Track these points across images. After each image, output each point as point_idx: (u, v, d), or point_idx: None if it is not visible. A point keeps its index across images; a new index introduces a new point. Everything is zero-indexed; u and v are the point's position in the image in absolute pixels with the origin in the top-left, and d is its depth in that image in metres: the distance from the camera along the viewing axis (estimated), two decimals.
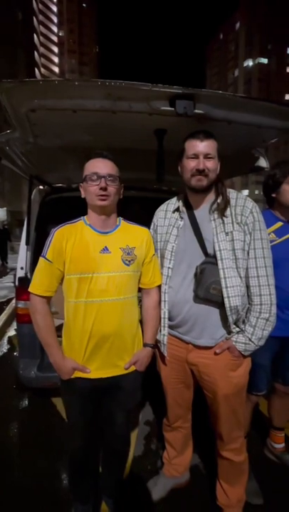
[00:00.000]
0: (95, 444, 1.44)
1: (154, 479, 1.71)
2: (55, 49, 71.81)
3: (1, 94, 1.13)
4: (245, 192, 60.29)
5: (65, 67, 73.32)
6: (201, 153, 1.25)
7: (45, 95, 1.20)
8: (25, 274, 2.24)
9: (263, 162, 2.01)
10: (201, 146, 1.25)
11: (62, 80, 1.12)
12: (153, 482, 1.70)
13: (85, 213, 1.33)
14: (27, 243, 2.27)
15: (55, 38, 71.47)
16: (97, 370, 1.28)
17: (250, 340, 1.27)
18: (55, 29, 71.45)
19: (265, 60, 66.20)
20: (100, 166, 1.22)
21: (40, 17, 64.17)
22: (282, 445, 1.89)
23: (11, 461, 1.91)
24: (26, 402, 2.53)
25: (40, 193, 2.63)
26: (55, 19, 71.12)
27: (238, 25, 69.14)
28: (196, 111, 1.28)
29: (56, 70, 72.19)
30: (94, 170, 1.22)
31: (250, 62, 67.22)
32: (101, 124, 1.47)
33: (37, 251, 2.27)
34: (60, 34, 72.43)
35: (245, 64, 67.94)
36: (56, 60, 72.34)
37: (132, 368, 1.34)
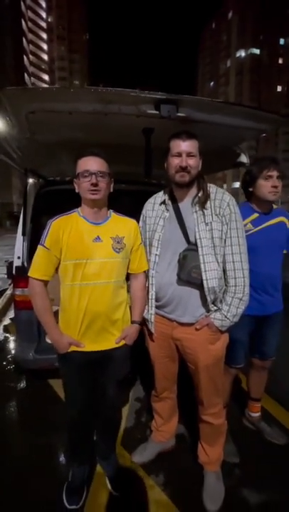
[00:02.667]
0: (89, 412, 1.61)
1: (144, 445, 1.91)
2: (44, 35, 69.81)
3: (4, 99, 1.26)
4: (237, 184, 60.64)
5: (55, 54, 71.48)
6: (183, 151, 1.40)
7: (44, 100, 1.33)
8: (22, 263, 2.37)
9: (243, 158, 2.18)
10: (184, 145, 1.40)
11: (60, 87, 1.26)
12: (142, 447, 1.90)
13: (77, 205, 1.47)
14: (23, 234, 2.39)
15: (43, 24, 69.42)
16: (91, 344, 1.44)
17: (225, 317, 1.45)
18: (43, 14, 69.35)
19: (257, 51, 65.72)
20: (91, 164, 1.35)
21: (28, 1, 62.13)
22: (258, 414, 2.11)
23: (10, 433, 2.09)
24: (24, 384, 2.69)
25: (35, 186, 2.74)
26: (43, 4, 68.96)
27: (230, 14, 68.25)
28: (179, 114, 1.42)
29: (45, 57, 70.36)
30: (86, 167, 1.35)
31: (242, 53, 66.65)
32: (94, 124, 1.61)
33: (33, 241, 2.40)
34: (49, 20, 70.33)
35: (237, 54, 67.31)
36: (45, 46, 70.40)
37: (122, 342, 1.51)
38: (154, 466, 1.81)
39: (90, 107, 1.40)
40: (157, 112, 1.40)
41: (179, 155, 1.41)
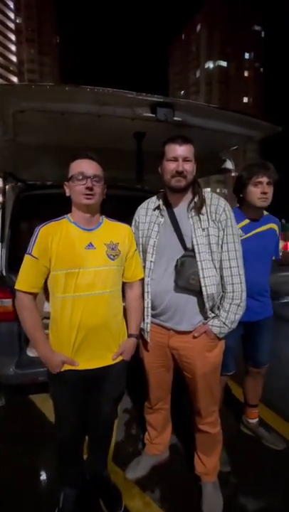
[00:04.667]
0: (81, 430, 1.51)
1: (137, 459, 1.83)
2: (12, 37, 68.03)
3: None
4: (207, 190, 62.49)
5: (24, 56, 69.79)
6: (180, 156, 1.38)
7: (35, 98, 1.25)
8: (1, 272, 2.22)
9: (229, 164, 2.21)
10: (180, 150, 1.38)
11: (54, 85, 1.18)
12: (136, 462, 1.82)
13: (58, 211, 1.39)
14: (1, 240, 2.25)
15: (12, 25, 67.68)
16: (86, 362, 1.34)
17: (224, 323, 1.43)
18: (11, 15, 67.65)
19: (224, 63, 68.65)
20: (86, 167, 1.28)
21: None
22: (256, 420, 2.09)
23: None
24: (3, 401, 2.51)
25: (14, 190, 2.60)
26: (11, 4, 67.32)
27: (199, 26, 70.75)
28: (175, 118, 1.40)
29: (14, 58, 68.50)
30: (80, 170, 1.27)
31: (210, 64, 69.24)
32: (85, 126, 1.54)
33: (12, 248, 2.26)
34: (18, 21, 68.70)
35: (206, 65, 69.79)
36: (13, 48, 68.60)
37: (119, 358, 1.43)
38: (149, 482, 1.73)
39: (85, 108, 1.34)
40: (153, 115, 1.37)
41: (175, 160, 1.39)
